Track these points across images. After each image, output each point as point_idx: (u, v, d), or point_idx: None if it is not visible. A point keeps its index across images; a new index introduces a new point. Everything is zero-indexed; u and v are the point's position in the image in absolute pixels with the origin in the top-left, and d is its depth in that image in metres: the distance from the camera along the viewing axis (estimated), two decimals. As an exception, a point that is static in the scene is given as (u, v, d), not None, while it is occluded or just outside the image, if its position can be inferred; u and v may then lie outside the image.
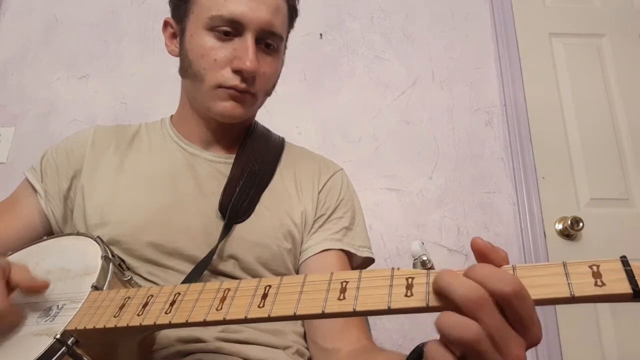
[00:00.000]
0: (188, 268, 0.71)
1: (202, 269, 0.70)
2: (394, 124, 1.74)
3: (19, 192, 0.85)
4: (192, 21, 0.78)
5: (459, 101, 1.78)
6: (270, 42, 0.78)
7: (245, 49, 0.74)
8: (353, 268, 0.84)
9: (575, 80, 1.79)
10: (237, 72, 0.74)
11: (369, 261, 0.85)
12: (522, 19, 1.86)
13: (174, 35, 0.84)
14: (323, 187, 0.85)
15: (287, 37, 0.86)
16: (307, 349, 0.77)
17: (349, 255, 0.81)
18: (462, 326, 0.36)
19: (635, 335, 1.50)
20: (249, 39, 0.75)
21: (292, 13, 0.85)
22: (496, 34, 1.86)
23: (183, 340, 0.66)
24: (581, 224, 1.55)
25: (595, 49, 1.83)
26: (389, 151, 1.70)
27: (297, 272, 0.80)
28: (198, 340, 0.67)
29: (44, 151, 0.85)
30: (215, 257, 0.72)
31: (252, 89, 0.76)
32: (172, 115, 0.90)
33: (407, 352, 0.62)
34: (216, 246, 0.72)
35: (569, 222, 1.56)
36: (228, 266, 0.73)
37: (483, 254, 0.40)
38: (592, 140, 1.71)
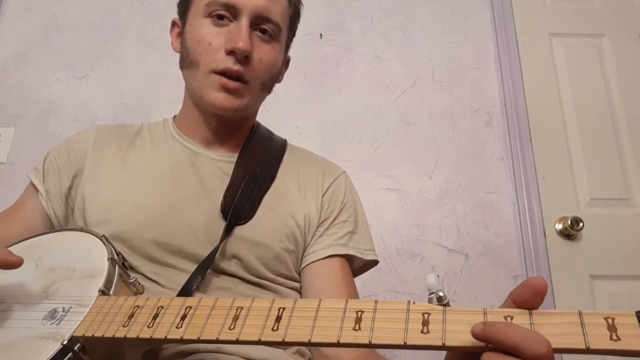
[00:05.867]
0: (190, 266, 0.71)
1: (205, 268, 0.70)
2: (394, 124, 1.74)
3: (23, 195, 0.85)
4: (192, 12, 0.80)
5: (459, 101, 1.78)
6: (266, 28, 0.78)
7: (239, 30, 0.75)
8: (357, 269, 0.85)
9: (575, 80, 1.79)
10: (230, 53, 0.74)
11: (373, 263, 0.85)
12: (522, 19, 1.86)
13: (179, 34, 0.85)
14: (327, 190, 0.84)
15: (288, 34, 0.86)
16: (308, 348, 0.77)
17: (353, 258, 0.81)
18: (535, 340, 0.37)
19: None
20: (243, 22, 0.75)
21: (294, 12, 0.85)
22: (496, 34, 1.86)
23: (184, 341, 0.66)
24: (581, 224, 1.55)
25: (595, 49, 1.83)
26: (389, 151, 1.70)
27: (299, 275, 0.80)
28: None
29: (47, 152, 0.86)
30: (218, 256, 0.72)
31: (246, 74, 0.76)
32: (174, 116, 0.90)
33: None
34: (217, 246, 0.72)
35: (569, 222, 1.56)
36: (231, 266, 0.73)
37: (538, 295, 0.41)
38: (592, 140, 1.71)
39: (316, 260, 0.78)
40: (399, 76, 1.81)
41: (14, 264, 0.58)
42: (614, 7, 1.89)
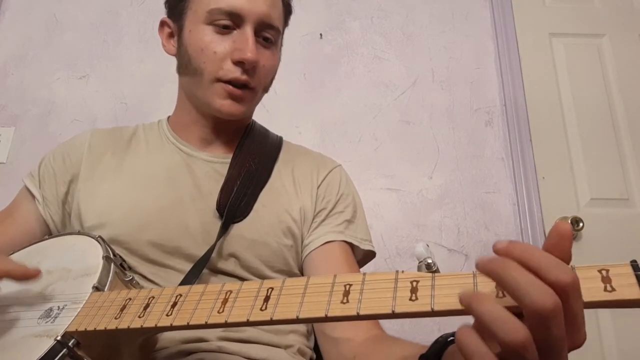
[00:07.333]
0: (189, 267, 0.71)
1: (201, 267, 0.70)
2: (394, 124, 1.74)
3: (17, 199, 0.85)
4: (190, 17, 0.79)
5: (459, 101, 1.78)
6: (268, 35, 0.78)
7: (245, 40, 0.74)
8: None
9: (575, 80, 1.79)
10: (237, 63, 0.75)
11: (370, 255, 0.84)
12: (522, 19, 1.86)
13: (171, 35, 0.84)
14: (321, 182, 0.84)
15: (283, 33, 0.86)
16: (309, 347, 0.77)
17: (351, 247, 0.81)
18: (511, 328, 0.33)
19: (635, 335, 1.50)
20: (248, 30, 0.75)
21: (287, 10, 0.85)
22: (496, 34, 1.86)
23: (185, 340, 0.66)
24: (581, 224, 1.55)
25: (595, 49, 1.83)
26: (389, 151, 1.70)
27: (300, 268, 0.80)
28: (200, 340, 0.67)
29: (42, 157, 0.85)
30: (215, 255, 0.72)
31: (252, 82, 0.76)
32: (169, 117, 0.90)
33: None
34: (214, 244, 0.72)
35: (569, 222, 1.56)
36: (229, 265, 0.73)
37: (565, 238, 0.36)
38: (592, 140, 1.71)
39: (314, 249, 0.78)
40: (399, 76, 1.81)
41: (34, 274, 0.59)
42: (614, 7, 1.89)
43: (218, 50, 0.75)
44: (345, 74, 1.81)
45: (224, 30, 0.76)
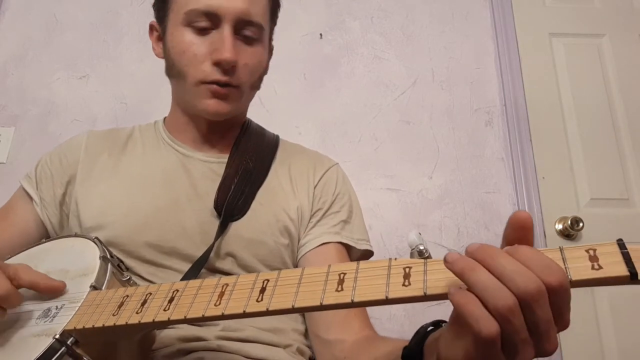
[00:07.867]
0: (187, 267, 0.71)
1: (200, 267, 0.70)
2: (394, 124, 1.74)
3: (14, 200, 0.85)
4: (172, 19, 0.79)
5: (459, 101, 1.77)
6: (248, 33, 0.77)
7: (222, 40, 0.74)
8: (352, 261, 0.84)
9: (575, 80, 1.78)
10: (216, 64, 0.74)
11: (368, 254, 0.84)
12: (522, 19, 1.86)
13: (159, 38, 0.84)
14: (318, 182, 0.85)
15: (271, 29, 0.85)
16: (308, 347, 0.77)
17: (347, 248, 0.81)
18: (501, 295, 0.36)
19: (634, 330, 1.50)
20: (225, 30, 0.74)
21: (273, 3, 0.84)
22: (496, 34, 1.86)
23: (184, 339, 0.67)
24: (581, 224, 1.55)
25: (595, 49, 1.83)
26: (389, 151, 1.70)
27: (295, 267, 0.80)
28: (199, 339, 0.67)
29: (39, 159, 0.85)
30: (212, 255, 0.72)
31: (234, 81, 0.76)
32: (165, 117, 0.90)
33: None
34: (212, 244, 0.72)
35: (569, 222, 1.56)
36: (226, 264, 0.74)
37: (525, 229, 0.40)
38: (592, 140, 1.71)
39: (310, 250, 0.78)
40: (399, 76, 1.81)
41: (59, 288, 0.59)
42: (614, 7, 1.89)
43: (198, 52, 0.75)
44: (345, 74, 1.81)
45: (203, 31, 0.75)
